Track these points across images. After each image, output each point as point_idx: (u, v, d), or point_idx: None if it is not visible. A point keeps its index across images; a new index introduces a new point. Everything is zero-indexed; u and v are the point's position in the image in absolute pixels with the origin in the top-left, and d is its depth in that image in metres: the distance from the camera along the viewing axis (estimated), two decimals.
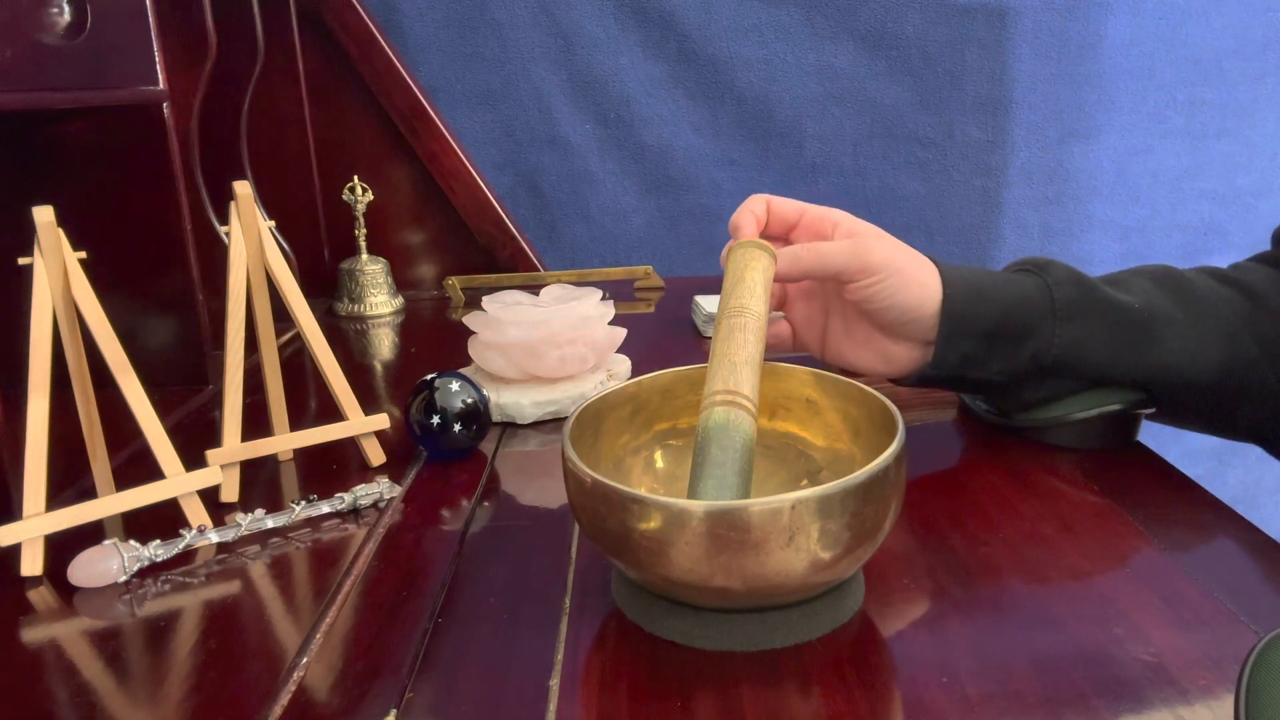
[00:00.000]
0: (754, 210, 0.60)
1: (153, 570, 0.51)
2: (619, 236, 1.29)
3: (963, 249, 1.30)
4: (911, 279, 0.57)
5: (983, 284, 0.58)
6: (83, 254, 0.53)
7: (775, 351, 0.61)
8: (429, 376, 0.64)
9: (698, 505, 0.38)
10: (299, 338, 0.74)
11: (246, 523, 0.54)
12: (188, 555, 0.53)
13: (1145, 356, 0.58)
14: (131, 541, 0.51)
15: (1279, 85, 1.28)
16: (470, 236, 1.14)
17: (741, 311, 0.49)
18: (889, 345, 0.60)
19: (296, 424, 0.64)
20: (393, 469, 0.63)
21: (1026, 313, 0.58)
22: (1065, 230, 1.31)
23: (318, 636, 0.44)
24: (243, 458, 0.59)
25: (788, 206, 0.61)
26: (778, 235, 0.63)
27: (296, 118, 1.07)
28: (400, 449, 0.66)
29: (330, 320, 1.06)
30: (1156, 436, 0.64)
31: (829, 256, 0.57)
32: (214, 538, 0.53)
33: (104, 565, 0.50)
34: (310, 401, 0.78)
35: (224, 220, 0.60)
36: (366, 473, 0.63)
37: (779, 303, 0.66)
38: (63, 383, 0.54)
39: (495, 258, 1.15)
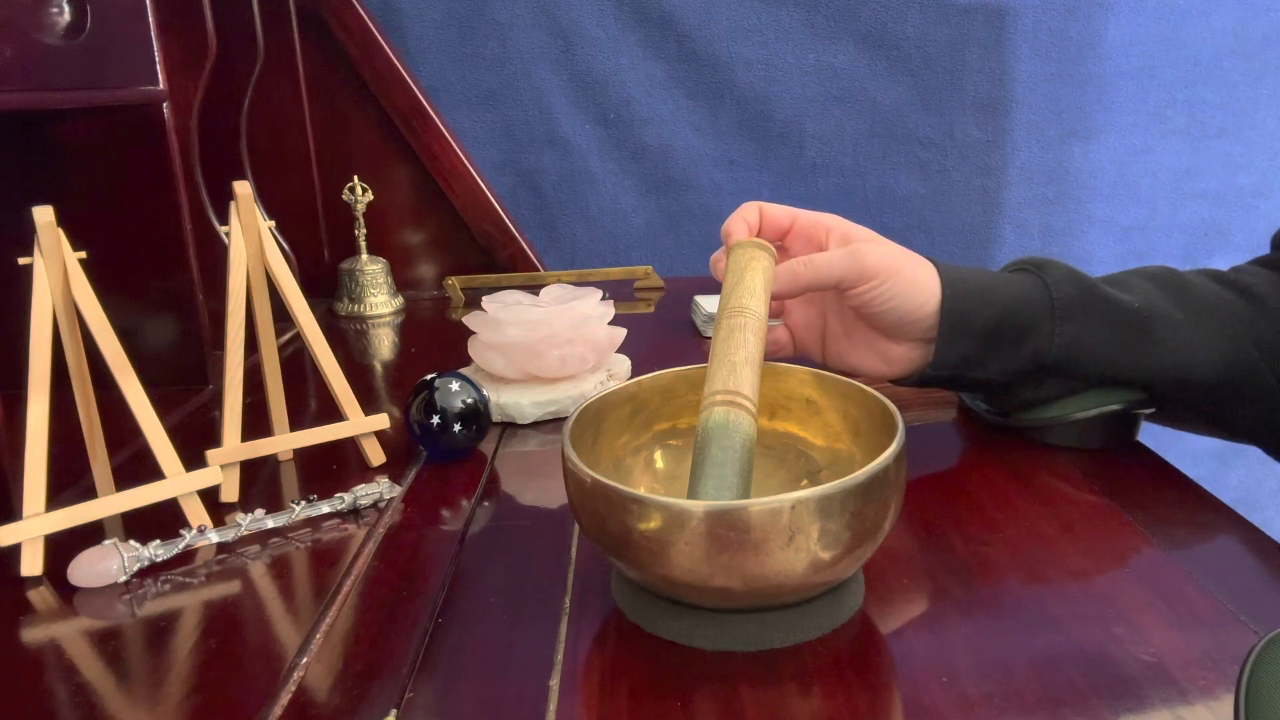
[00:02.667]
0: (746, 218, 0.60)
1: (153, 570, 0.51)
2: (619, 236, 1.29)
3: (963, 249, 1.30)
4: (910, 281, 0.57)
5: (982, 283, 0.58)
6: (83, 254, 0.53)
7: (775, 357, 0.61)
8: (429, 376, 0.64)
9: (698, 505, 0.38)
10: (299, 338, 0.74)
11: (246, 523, 0.54)
12: (188, 555, 0.53)
13: (1145, 357, 0.58)
14: (131, 541, 0.51)
15: (1279, 85, 1.28)
16: (470, 236, 1.14)
17: (741, 311, 0.49)
18: (889, 346, 0.60)
19: (296, 424, 0.64)
20: (393, 469, 0.63)
21: (1026, 312, 0.58)
22: (1065, 230, 1.31)
23: (318, 636, 0.44)
24: (243, 458, 0.59)
25: (780, 213, 0.61)
26: (771, 240, 0.63)
27: (296, 118, 1.07)
28: (400, 449, 0.66)
29: (330, 320, 1.06)
30: (1156, 437, 0.64)
31: (826, 269, 0.57)
32: (214, 538, 0.53)
33: (104, 565, 0.50)
34: (310, 401, 0.78)
35: (224, 220, 0.60)
36: (366, 473, 0.63)
37: (776, 309, 0.66)
38: (63, 383, 0.54)
39: (495, 258, 1.15)
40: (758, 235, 0.62)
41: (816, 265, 0.57)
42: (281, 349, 0.66)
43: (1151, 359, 0.58)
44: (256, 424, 0.63)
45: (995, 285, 0.58)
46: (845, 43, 1.21)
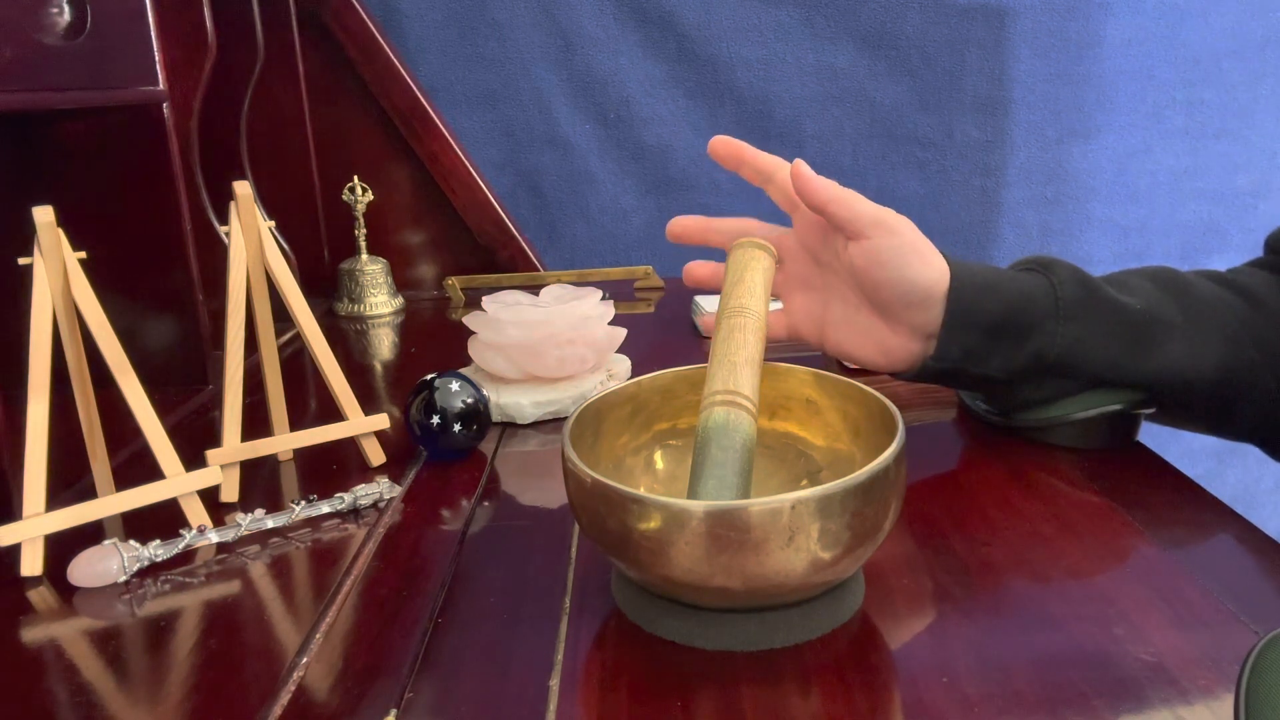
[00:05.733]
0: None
1: (153, 570, 0.51)
2: (619, 236, 1.29)
3: (962, 249, 1.30)
4: (923, 256, 0.57)
5: (989, 278, 0.58)
6: (83, 254, 0.53)
7: (771, 341, 0.60)
8: (429, 376, 0.64)
9: (698, 505, 0.39)
10: (299, 338, 0.74)
11: (246, 523, 0.54)
12: (188, 555, 0.53)
13: (1146, 359, 0.58)
14: (131, 541, 0.51)
15: (1278, 85, 1.28)
16: (470, 236, 1.14)
17: (741, 311, 0.49)
18: (888, 336, 0.60)
19: (296, 424, 0.64)
20: (393, 469, 0.63)
21: (1030, 310, 0.58)
22: (1064, 230, 1.31)
23: (318, 636, 0.44)
24: (243, 458, 0.59)
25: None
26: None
27: (296, 118, 1.07)
28: (400, 449, 0.66)
29: (330, 320, 1.06)
30: (1156, 437, 0.65)
31: (856, 200, 0.57)
32: (214, 538, 0.53)
33: (104, 565, 0.50)
34: (310, 401, 0.78)
35: (224, 220, 0.60)
36: (366, 473, 0.63)
37: (778, 283, 0.65)
38: (63, 383, 0.54)
39: (495, 258, 1.15)
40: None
41: (849, 192, 0.58)
42: (281, 349, 0.66)
43: (1152, 361, 0.58)
44: (256, 424, 0.63)
45: (1002, 281, 0.58)
46: (845, 43, 1.21)
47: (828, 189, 0.57)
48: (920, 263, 0.57)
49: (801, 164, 0.58)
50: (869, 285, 0.59)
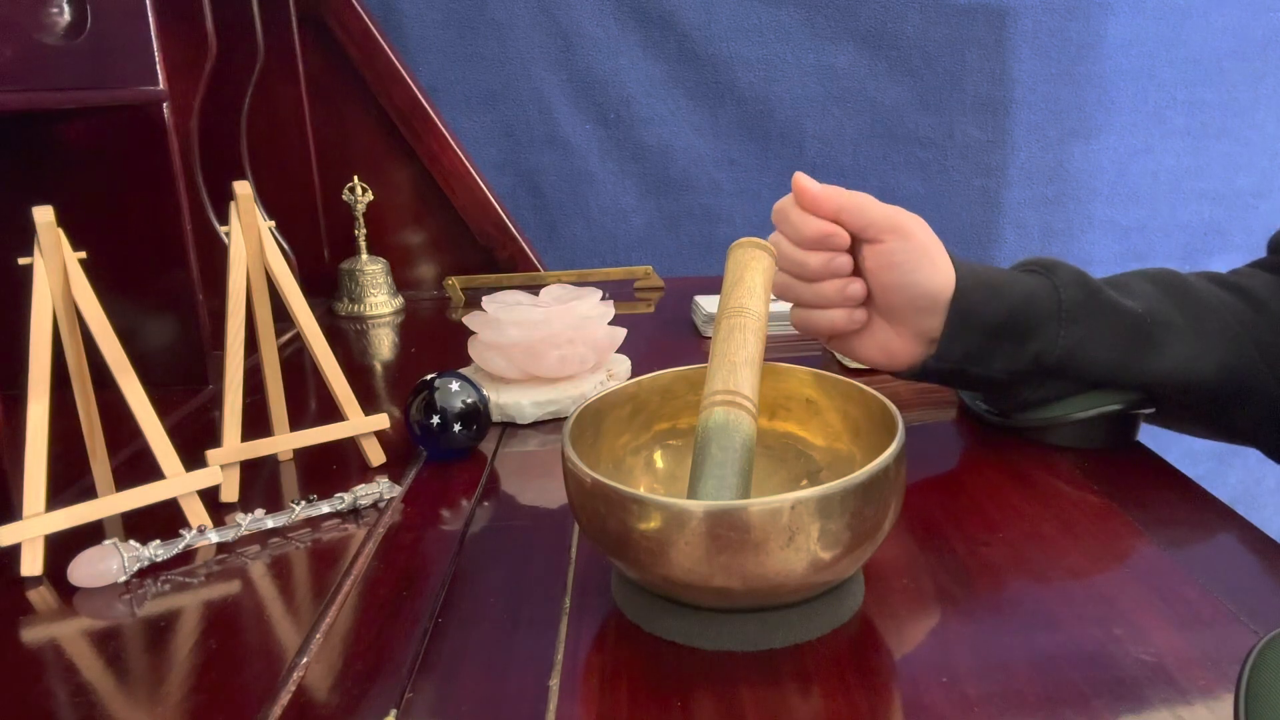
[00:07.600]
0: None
1: (153, 570, 0.51)
2: (619, 236, 1.29)
3: (963, 249, 1.30)
4: (933, 260, 0.57)
5: (992, 280, 0.58)
6: (83, 254, 0.53)
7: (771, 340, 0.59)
8: (429, 376, 0.64)
9: (698, 505, 0.38)
10: (299, 338, 0.74)
11: (246, 523, 0.54)
12: (188, 555, 0.53)
13: (1147, 361, 0.58)
14: (131, 541, 0.51)
15: (1279, 85, 1.28)
16: (470, 236, 1.14)
17: (741, 311, 0.49)
18: (892, 338, 0.60)
19: (296, 424, 0.64)
20: (393, 469, 0.63)
21: (1033, 312, 0.58)
22: (1065, 230, 1.31)
23: (318, 636, 0.44)
24: (243, 458, 0.59)
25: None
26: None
27: (296, 118, 1.07)
28: (400, 449, 0.66)
29: (330, 320, 1.06)
30: (1156, 437, 0.64)
31: (867, 204, 0.57)
32: (214, 538, 0.53)
33: (104, 565, 0.50)
34: (310, 401, 0.78)
35: (224, 220, 0.60)
36: (366, 473, 0.63)
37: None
38: (63, 383, 0.54)
39: (495, 258, 1.15)
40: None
41: (859, 195, 0.57)
42: (281, 349, 0.66)
43: (1153, 364, 0.58)
44: (256, 424, 0.63)
45: (1004, 283, 0.58)
46: (845, 43, 1.21)
47: (835, 199, 0.57)
48: (930, 268, 0.57)
49: (801, 179, 0.57)
50: (878, 288, 0.58)
